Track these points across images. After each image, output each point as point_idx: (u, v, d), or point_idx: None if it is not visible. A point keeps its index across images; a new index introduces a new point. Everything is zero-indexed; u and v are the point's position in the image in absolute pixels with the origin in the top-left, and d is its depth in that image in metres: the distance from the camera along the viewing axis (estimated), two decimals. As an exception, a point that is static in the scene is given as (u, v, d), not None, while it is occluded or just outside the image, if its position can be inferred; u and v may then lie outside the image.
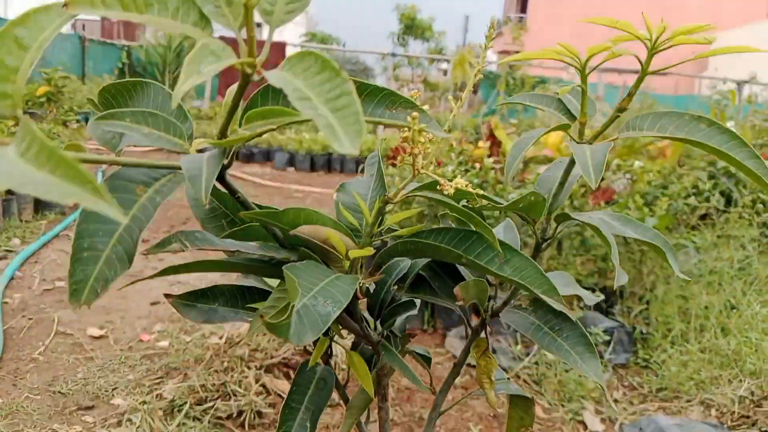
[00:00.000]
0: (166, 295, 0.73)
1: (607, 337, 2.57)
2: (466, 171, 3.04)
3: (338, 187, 0.81)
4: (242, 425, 1.99)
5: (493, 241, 0.66)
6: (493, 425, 2.11)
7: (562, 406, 2.25)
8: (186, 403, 2.04)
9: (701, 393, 2.39)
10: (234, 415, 2.01)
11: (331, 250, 0.67)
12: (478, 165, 3.08)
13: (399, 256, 0.75)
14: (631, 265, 3.02)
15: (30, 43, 0.41)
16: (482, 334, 0.85)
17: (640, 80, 0.69)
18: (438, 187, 0.64)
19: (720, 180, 3.96)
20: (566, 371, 2.40)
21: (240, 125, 0.58)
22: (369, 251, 0.66)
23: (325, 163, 7.83)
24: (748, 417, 2.18)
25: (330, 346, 0.82)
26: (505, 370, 2.46)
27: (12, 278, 3.15)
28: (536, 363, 2.47)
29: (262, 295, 0.76)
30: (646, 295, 2.96)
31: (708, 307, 3.00)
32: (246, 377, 2.12)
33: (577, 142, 0.70)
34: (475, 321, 0.87)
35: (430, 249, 0.69)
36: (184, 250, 0.62)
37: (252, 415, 2.01)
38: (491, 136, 4.92)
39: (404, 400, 2.24)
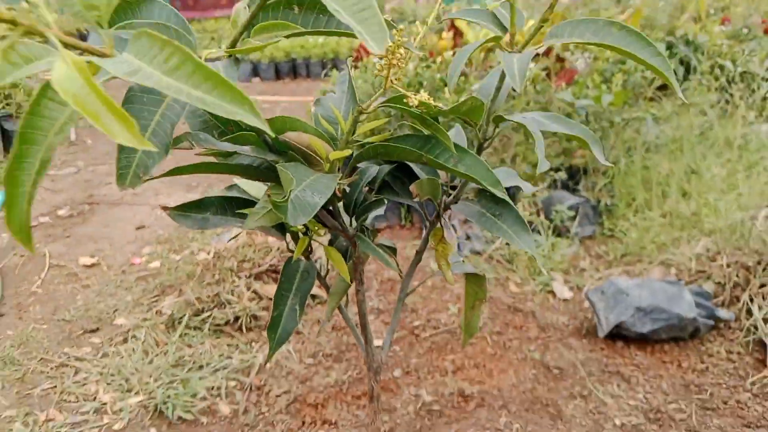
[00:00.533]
0: (163, 207, 0.82)
1: (572, 213, 2.72)
2: (428, 67, 3.06)
3: (315, 102, 0.89)
4: (240, 329, 2.15)
5: (448, 144, 0.75)
6: (471, 304, 2.28)
7: (533, 279, 2.43)
8: (185, 315, 2.18)
9: (662, 254, 2.58)
10: (231, 321, 2.16)
11: (313, 154, 0.76)
12: (439, 59, 3.10)
13: (371, 159, 0.84)
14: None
15: None
16: (438, 225, 0.96)
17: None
18: (404, 100, 0.72)
19: (679, 48, 4.01)
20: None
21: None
22: (348, 152, 0.75)
23: (290, 69, 7.70)
24: (703, 271, 2.37)
25: (309, 244, 0.93)
26: (479, 253, 2.62)
27: (-4, 219, 3.20)
28: (507, 244, 2.62)
29: (247, 204, 0.86)
30: (610, 169, 3.10)
31: (669, 174, 3.15)
32: (237, 286, 2.26)
33: (508, 52, 0.78)
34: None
35: (398, 151, 0.78)
36: (191, 148, 0.71)
37: (248, 319, 2.16)
38: (453, 27, 4.87)
39: (388, 290, 2.41)
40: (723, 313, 2.08)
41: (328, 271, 0.99)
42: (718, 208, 2.86)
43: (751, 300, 2.14)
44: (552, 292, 2.36)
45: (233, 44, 0.67)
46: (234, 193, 0.89)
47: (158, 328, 2.17)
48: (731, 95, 3.83)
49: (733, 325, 2.10)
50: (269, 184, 0.79)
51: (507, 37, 0.78)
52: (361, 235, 0.89)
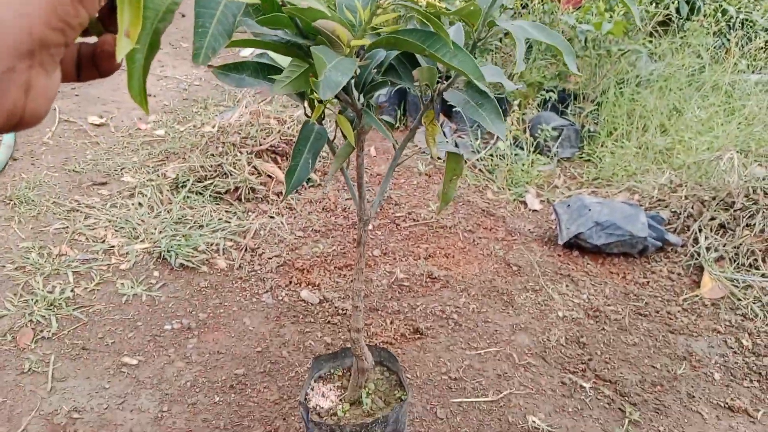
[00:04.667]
0: (209, 66, 1.00)
1: (556, 134, 2.90)
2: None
3: None
4: (239, 198, 2.35)
5: (447, 41, 0.91)
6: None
7: (509, 189, 2.64)
8: (188, 180, 2.37)
9: (630, 181, 2.79)
10: (231, 190, 2.36)
11: (336, 39, 0.93)
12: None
13: (383, 47, 1.01)
14: (589, 69, 3.27)
15: None
16: (431, 107, 1.14)
17: None
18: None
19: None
20: (515, 163, 2.77)
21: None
22: (367, 42, 0.91)
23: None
24: (663, 200, 2.60)
25: (323, 112, 1.11)
26: (465, 161, 2.81)
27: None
28: (491, 155, 2.82)
29: (276, 70, 1.03)
30: (599, 97, 3.25)
31: (654, 110, 3.32)
32: (239, 160, 2.44)
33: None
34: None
35: (405, 43, 0.94)
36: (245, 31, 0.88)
37: (246, 191, 2.36)
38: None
39: (373, 164, 2.61)
40: (672, 237, 2.32)
41: (335, 136, 1.18)
42: (691, 147, 3.06)
43: (700, 230, 2.38)
44: (524, 203, 2.58)
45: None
46: (265, 60, 1.06)
47: (163, 188, 2.36)
48: (728, 41, 3.93)
49: (679, 249, 2.35)
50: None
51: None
52: (367, 110, 1.07)
